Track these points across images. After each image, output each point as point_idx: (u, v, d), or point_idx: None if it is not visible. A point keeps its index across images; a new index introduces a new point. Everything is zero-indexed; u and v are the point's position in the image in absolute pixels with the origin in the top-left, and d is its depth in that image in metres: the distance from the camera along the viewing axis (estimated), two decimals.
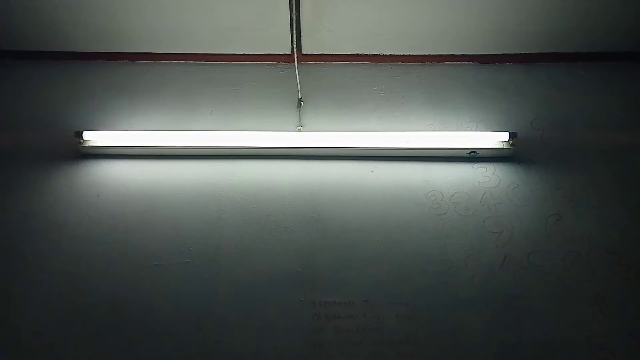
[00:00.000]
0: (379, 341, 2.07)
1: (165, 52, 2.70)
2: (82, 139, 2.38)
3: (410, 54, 2.71)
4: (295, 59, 2.40)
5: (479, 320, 2.11)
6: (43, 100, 2.59)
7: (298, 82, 2.48)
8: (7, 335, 2.07)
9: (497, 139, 2.42)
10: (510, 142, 2.39)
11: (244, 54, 2.71)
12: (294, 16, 2.23)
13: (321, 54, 2.71)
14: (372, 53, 2.71)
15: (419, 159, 2.45)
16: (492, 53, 2.69)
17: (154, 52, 2.70)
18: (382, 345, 2.07)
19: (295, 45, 2.42)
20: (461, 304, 2.14)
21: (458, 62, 2.72)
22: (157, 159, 2.44)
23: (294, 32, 2.28)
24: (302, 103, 2.58)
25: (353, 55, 2.72)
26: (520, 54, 2.69)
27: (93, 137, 2.40)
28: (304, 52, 2.67)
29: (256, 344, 2.07)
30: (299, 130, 2.50)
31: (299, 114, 2.57)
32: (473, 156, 2.44)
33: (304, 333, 2.08)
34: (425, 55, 2.71)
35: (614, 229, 2.28)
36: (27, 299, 2.14)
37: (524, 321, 2.10)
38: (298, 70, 2.43)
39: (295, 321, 2.10)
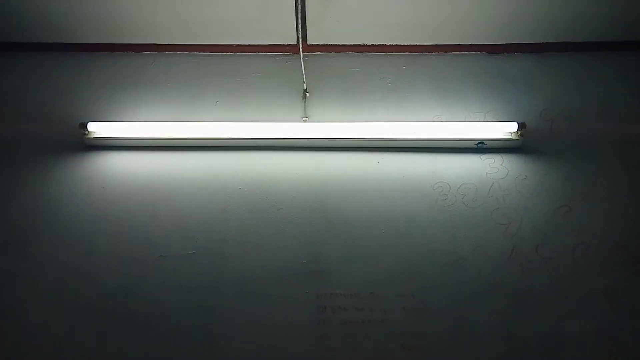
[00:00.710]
0: (385, 334, 2.06)
1: (169, 43, 2.68)
2: (87, 130, 2.37)
3: (417, 44, 2.67)
4: (301, 50, 2.37)
5: (486, 313, 2.09)
6: (47, 92, 2.59)
7: (303, 72, 2.45)
8: (12, 330, 2.08)
9: (506, 130, 2.38)
10: (519, 132, 2.35)
11: (249, 45, 2.69)
12: (299, 6, 2.20)
13: (327, 45, 2.68)
14: (379, 43, 2.67)
15: (426, 150, 2.42)
16: (501, 43, 2.65)
17: (158, 43, 2.68)
18: (388, 337, 2.06)
19: (300, 36, 2.38)
20: (468, 297, 2.12)
21: (466, 52, 2.69)
22: (162, 150, 2.44)
23: (299, 22, 2.25)
24: (307, 94, 2.55)
25: (359, 45, 2.68)
26: (530, 43, 2.64)
27: (98, 129, 2.39)
28: (309, 42, 2.64)
29: (261, 335, 2.06)
30: (305, 121, 2.48)
31: (305, 105, 2.55)
32: (481, 147, 2.41)
33: (310, 325, 2.08)
34: (432, 45, 2.67)
35: (625, 222, 2.25)
36: (32, 291, 2.15)
37: (531, 314, 2.08)
38: (303, 61, 2.41)
39: (301, 313, 2.10)
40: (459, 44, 2.67)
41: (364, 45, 2.69)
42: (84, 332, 2.07)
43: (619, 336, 2.04)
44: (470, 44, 2.66)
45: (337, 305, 2.11)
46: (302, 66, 2.42)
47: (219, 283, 2.15)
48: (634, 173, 2.35)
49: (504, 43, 2.65)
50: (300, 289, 2.14)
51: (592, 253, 2.19)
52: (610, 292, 2.11)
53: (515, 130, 2.36)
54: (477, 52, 2.68)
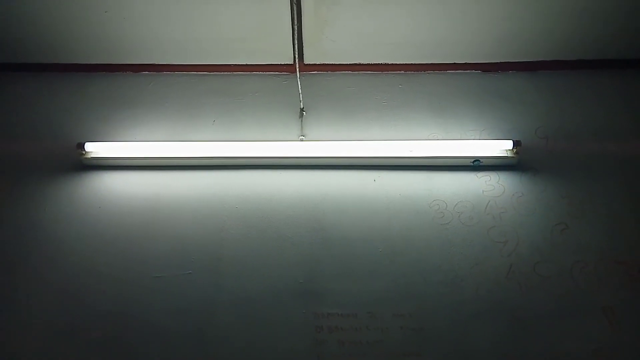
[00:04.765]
0: (383, 353, 2.04)
1: (167, 63, 2.71)
2: (84, 150, 2.38)
3: (413, 62, 2.70)
4: (297, 69, 2.40)
5: (484, 331, 2.07)
6: (45, 112, 2.60)
7: (300, 91, 2.47)
8: (6, 352, 2.05)
9: (501, 147, 2.39)
10: (515, 150, 2.37)
11: (246, 65, 2.71)
12: (296, 26, 2.24)
13: (323, 64, 2.71)
14: (374, 62, 2.70)
15: (422, 168, 2.43)
16: (495, 61, 2.68)
17: (156, 63, 2.71)
18: (386, 357, 2.03)
19: (297, 55, 2.42)
20: (466, 315, 2.10)
21: (461, 71, 2.71)
22: (159, 170, 2.44)
23: (296, 42, 2.28)
24: (304, 113, 2.57)
25: (355, 64, 2.71)
26: (523, 61, 2.67)
27: (95, 149, 2.40)
28: (306, 62, 2.67)
29: (257, 355, 2.04)
30: (301, 140, 2.49)
31: (301, 124, 2.56)
32: (477, 165, 2.41)
33: (307, 345, 2.06)
34: (427, 64, 2.70)
35: (622, 239, 2.24)
36: (25, 312, 2.13)
37: (529, 333, 2.06)
38: (300, 80, 2.43)
39: (298, 333, 2.08)
40: (454, 63, 2.70)
41: (360, 65, 2.71)
42: (79, 354, 2.05)
43: (619, 355, 2.02)
44: (465, 63, 2.69)
45: (334, 325, 2.09)
46: (299, 85, 2.44)
47: (215, 302, 2.13)
48: (630, 189, 2.35)
49: (498, 62, 2.68)
50: (297, 308, 2.12)
51: (590, 271, 2.18)
52: (609, 310, 2.10)
53: (511, 147, 2.37)
54: (472, 71, 2.71)
